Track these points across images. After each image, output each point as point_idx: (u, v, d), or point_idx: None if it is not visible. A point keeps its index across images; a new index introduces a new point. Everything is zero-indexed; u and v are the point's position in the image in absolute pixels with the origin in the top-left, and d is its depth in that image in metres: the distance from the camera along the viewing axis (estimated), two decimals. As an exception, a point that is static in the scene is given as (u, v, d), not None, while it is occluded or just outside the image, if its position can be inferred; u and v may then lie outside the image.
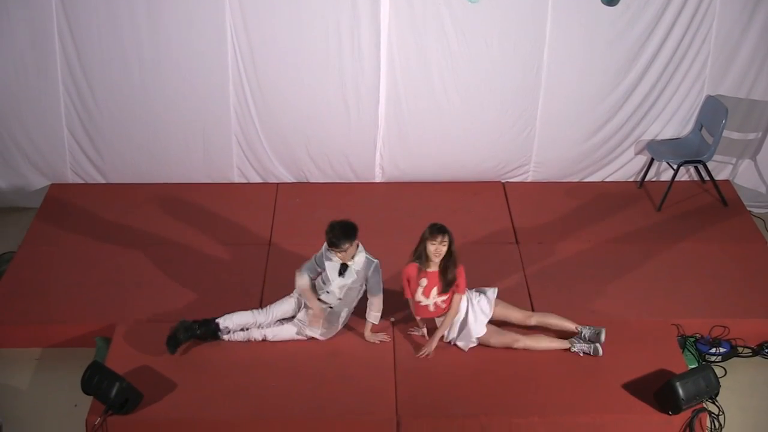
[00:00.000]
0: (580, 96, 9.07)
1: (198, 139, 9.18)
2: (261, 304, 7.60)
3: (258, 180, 9.44)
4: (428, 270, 7.18)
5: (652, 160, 9.33)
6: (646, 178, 9.44)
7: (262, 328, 7.35)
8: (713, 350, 7.61)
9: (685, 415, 6.85)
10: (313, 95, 8.98)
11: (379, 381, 7.09)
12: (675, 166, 9.13)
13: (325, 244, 7.19)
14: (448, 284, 7.19)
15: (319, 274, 7.30)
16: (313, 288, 7.29)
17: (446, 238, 7.08)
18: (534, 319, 7.46)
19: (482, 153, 9.26)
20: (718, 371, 7.31)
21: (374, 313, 7.34)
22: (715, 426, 6.97)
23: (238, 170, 9.37)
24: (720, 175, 9.44)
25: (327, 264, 7.23)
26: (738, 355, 7.67)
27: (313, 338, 7.38)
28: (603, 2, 7.13)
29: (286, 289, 7.43)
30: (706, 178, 9.29)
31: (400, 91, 8.97)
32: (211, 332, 7.31)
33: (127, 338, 7.39)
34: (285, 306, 7.42)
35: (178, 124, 9.10)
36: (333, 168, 9.36)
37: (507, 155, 9.31)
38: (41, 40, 8.73)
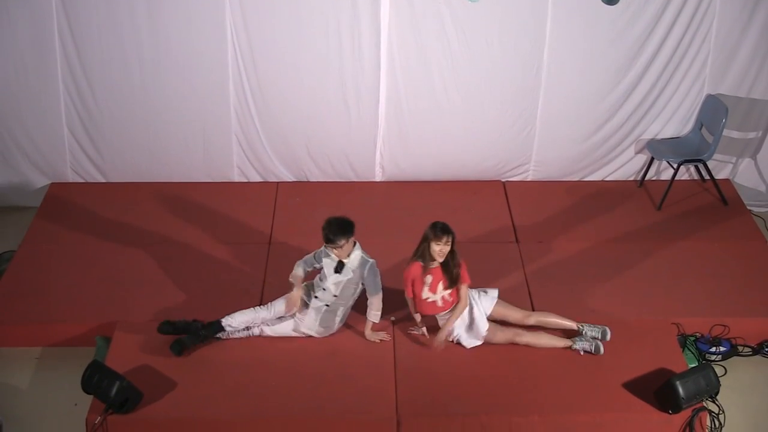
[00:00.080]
0: (580, 95, 9.07)
1: (198, 138, 9.18)
2: (261, 302, 7.58)
3: (258, 179, 9.44)
4: (431, 267, 7.19)
5: (652, 159, 9.33)
6: (646, 177, 9.43)
7: (264, 323, 7.36)
8: (713, 349, 7.61)
9: (685, 414, 6.85)
10: (314, 94, 8.97)
11: (379, 380, 7.08)
12: (675, 165, 9.13)
13: (324, 241, 7.22)
14: (453, 281, 7.20)
15: (318, 270, 7.31)
16: (311, 286, 7.32)
17: (450, 239, 7.09)
18: (533, 318, 7.45)
19: (482, 152, 9.26)
20: (719, 370, 7.31)
21: (374, 312, 7.34)
22: (715, 425, 6.96)
23: (239, 169, 9.36)
24: (720, 174, 9.44)
25: (324, 261, 7.24)
26: (738, 354, 7.67)
27: (309, 336, 7.38)
28: (603, 1, 7.14)
29: (286, 288, 7.42)
30: (706, 177, 9.29)
31: (400, 90, 8.97)
32: (214, 332, 7.32)
33: (128, 337, 7.39)
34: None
35: (178, 124, 9.10)
36: (333, 167, 9.35)
37: (507, 154, 9.30)
38: (41, 39, 8.73)
